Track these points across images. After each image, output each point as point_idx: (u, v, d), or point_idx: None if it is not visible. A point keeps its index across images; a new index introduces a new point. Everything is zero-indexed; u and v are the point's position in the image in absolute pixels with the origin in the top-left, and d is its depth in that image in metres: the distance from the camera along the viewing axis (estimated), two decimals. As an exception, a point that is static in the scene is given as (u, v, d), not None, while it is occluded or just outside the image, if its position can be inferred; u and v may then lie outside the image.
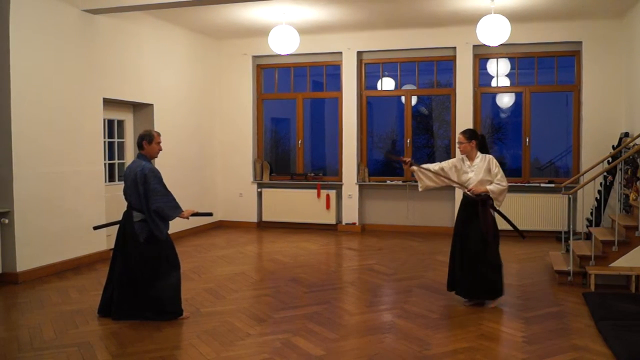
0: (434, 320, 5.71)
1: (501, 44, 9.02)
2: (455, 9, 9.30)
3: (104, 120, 9.03)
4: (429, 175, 6.31)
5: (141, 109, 9.98)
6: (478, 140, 6.23)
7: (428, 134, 14.00)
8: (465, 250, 6.17)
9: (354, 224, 11.35)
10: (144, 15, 9.60)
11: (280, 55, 10.68)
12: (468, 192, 6.16)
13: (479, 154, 6.22)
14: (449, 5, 9.15)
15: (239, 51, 11.84)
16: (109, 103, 9.10)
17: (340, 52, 11.37)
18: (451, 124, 11.05)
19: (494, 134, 13.77)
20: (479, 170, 6.14)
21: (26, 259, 7.37)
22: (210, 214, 6.31)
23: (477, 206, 6.10)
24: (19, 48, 7.30)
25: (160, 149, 6.01)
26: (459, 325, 5.59)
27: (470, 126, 10.62)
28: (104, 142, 9.03)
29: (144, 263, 5.71)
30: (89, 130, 8.47)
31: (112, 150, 9.57)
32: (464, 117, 10.71)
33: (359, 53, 11.34)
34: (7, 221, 7.19)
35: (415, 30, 10.78)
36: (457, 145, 6.35)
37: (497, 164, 6.16)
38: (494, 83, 11.10)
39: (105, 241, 8.69)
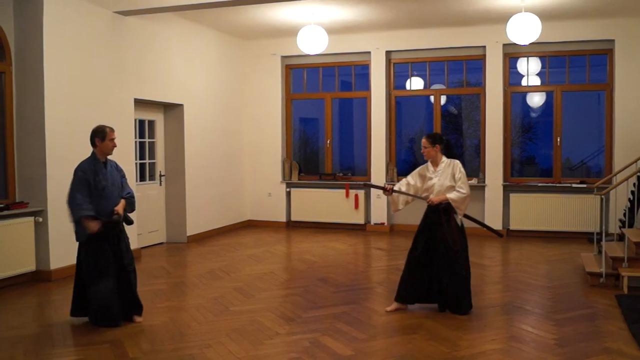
0: (463, 321, 5.67)
1: (532, 43, 8.93)
2: (485, 7, 9.22)
3: (135, 120, 9.14)
4: (403, 197, 6.09)
5: (171, 109, 10.08)
6: (443, 144, 6.01)
7: (457, 133, 13.88)
8: (429, 260, 5.94)
9: (383, 224, 11.32)
10: (174, 17, 9.70)
11: (308, 55, 10.71)
12: (428, 202, 5.95)
13: (444, 158, 6.00)
14: (479, 4, 9.07)
15: (268, 51, 11.89)
16: (140, 103, 9.22)
17: (369, 52, 11.35)
18: (481, 124, 10.97)
19: (524, 133, 13.60)
20: (443, 176, 5.92)
21: (59, 257, 7.48)
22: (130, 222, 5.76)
23: (441, 215, 5.86)
24: (53, 50, 7.43)
25: (115, 146, 5.69)
26: (488, 326, 5.54)
27: (500, 126, 10.57)
28: (135, 142, 9.14)
29: (79, 263, 5.68)
30: (120, 130, 8.47)
31: (144, 150, 9.70)
32: (493, 117, 10.62)
33: (388, 53, 11.31)
34: (41, 220, 7.32)
35: (444, 29, 10.71)
36: (421, 150, 6.05)
37: (462, 169, 5.90)
38: (524, 82, 10.98)
39: (136, 240, 8.80)
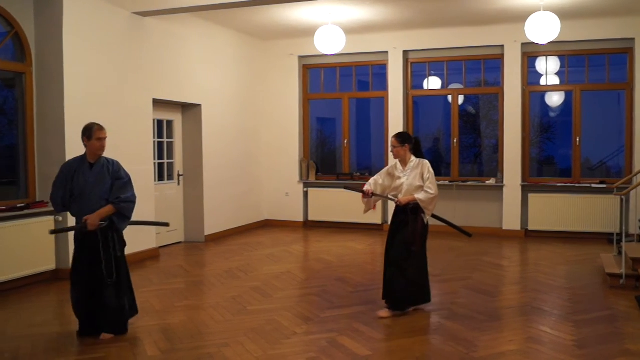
0: (481, 322, 5.64)
1: (550, 42, 8.86)
2: (503, 6, 9.16)
3: (154, 120, 9.20)
4: (376, 198, 6.13)
5: (190, 110, 10.14)
6: (412, 144, 5.98)
7: (475, 133, 13.82)
8: (389, 257, 6.00)
9: (400, 224, 11.27)
10: (192, 17, 9.75)
11: (326, 55, 10.70)
12: (396, 203, 5.95)
13: (413, 158, 5.97)
14: (497, 3, 9.02)
15: (285, 51, 11.91)
16: (158, 103, 9.28)
17: (386, 52, 11.33)
18: (499, 124, 10.91)
19: (543, 133, 13.51)
20: (412, 176, 5.89)
21: (79, 256, 7.54)
22: (85, 227, 5.16)
23: (408, 215, 5.86)
24: (72, 51, 7.51)
25: (103, 146, 5.20)
26: (506, 327, 5.52)
27: (519, 126, 10.50)
28: (154, 142, 9.20)
29: None
30: (139, 130, 8.64)
31: (162, 149, 9.76)
32: (512, 116, 10.56)
33: (405, 52, 11.28)
34: (60, 219, 7.37)
35: (462, 28, 10.66)
36: (390, 149, 6.05)
37: (430, 169, 5.87)
38: (543, 81, 10.91)
39: (154, 239, 8.86)
